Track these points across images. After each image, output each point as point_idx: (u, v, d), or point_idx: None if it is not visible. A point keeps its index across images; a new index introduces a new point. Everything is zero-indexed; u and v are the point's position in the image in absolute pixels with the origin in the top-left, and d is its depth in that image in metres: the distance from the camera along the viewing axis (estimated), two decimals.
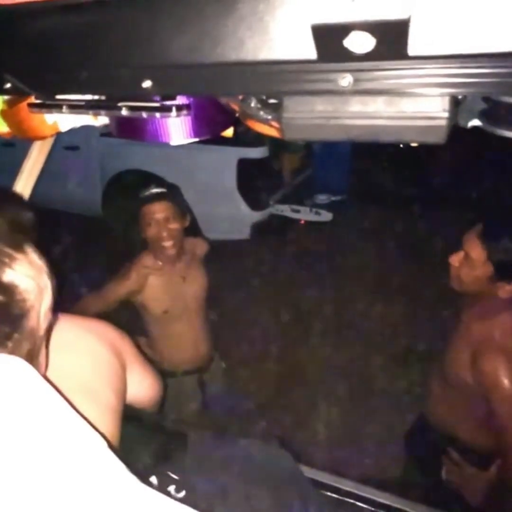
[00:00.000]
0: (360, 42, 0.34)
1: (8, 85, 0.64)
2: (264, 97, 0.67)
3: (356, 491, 0.81)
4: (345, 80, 0.45)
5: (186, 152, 3.87)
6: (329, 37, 0.35)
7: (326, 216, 4.34)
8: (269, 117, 0.67)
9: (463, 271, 1.40)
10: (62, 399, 0.43)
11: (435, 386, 1.61)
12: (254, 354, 3.11)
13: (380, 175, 4.74)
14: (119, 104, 0.64)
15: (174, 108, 0.63)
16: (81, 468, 0.37)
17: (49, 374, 0.68)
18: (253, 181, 3.96)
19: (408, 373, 2.63)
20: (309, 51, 0.37)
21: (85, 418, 0.67)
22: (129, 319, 1.87)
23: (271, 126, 0.69)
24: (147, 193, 1.84)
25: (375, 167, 4.79)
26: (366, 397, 2.73)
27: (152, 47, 0.48)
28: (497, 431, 1.32)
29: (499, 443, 1.32)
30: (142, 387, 0.86)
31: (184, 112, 0.65)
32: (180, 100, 0.69)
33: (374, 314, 3.35)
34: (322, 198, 4.70)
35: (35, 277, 0.83)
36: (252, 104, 0.68)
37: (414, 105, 0.55)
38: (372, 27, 0.33)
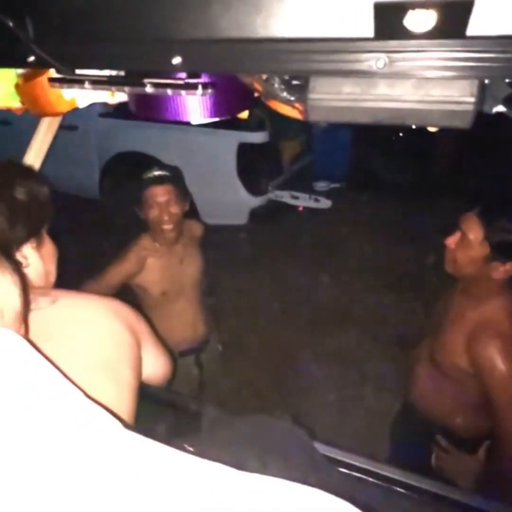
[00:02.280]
0: (420, 21, 0.34)
1: (32, 58, 0.63)
2: (288, 78, 0.67)
3: (369, 467, 0.83)
4: (381, 62, 0.46)
5: (185, 134, 3.83)
6: (390, 15, 0.35)
7: (325, 203, 4.34)
8: (293, 98, 0.67)
9: (459, 252, 1.38)
10: (54, 368, 0.43)
11: (422, 372, 1.60)
12: (250, 337, 3.14)
13: (379, 163, 4.74)
14: (144, 80, 0.63)
15: (200, 86, 0.63)
16: (78, 432, 0.37)
17: (72, 348, 0.69)
18: (253, 166, 3.93)
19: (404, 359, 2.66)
20: (365, 29, 0.38)
21: (106, 395, 0.68)
22: (125, 301, 1.87)
23: (293, 107, 0.69)
24: (150, 175, 1.84)
25: (375, 155, 4.78)
26: (362, 382, 2.77)
27: (187, 21, 0.48)
28: (492, 416, 1.33)
29: (495, 427, 1.34)
30: (156, 365, 0.88)
31: (209, 90, 0.65)
32: (203, 78, 0.68)
33: (372, 301, 3.38)
34: (321, 185, 4.70)
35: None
36: (276, 85, 0.68)
37: (442, 89, 0.56)
38: (437, 5, 0.33)
